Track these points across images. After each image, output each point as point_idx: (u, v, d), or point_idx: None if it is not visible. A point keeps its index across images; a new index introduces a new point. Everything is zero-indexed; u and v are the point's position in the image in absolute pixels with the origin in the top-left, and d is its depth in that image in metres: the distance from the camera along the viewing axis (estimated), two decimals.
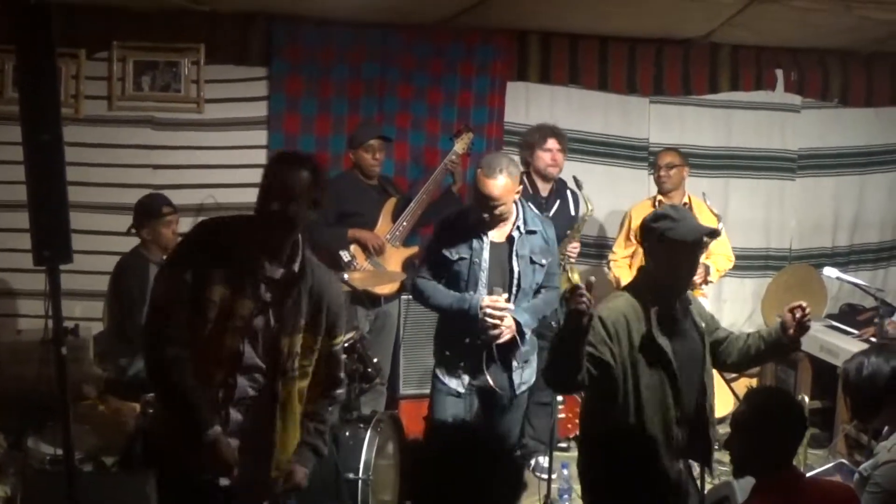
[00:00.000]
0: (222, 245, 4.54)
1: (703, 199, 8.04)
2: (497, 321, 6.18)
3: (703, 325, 5.36)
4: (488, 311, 6.16)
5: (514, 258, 6.34)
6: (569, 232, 7.99)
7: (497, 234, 6.30)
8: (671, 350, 5.11)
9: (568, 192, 8.27)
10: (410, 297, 7.26)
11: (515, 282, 6.36)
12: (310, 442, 4.87)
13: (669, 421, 5.17)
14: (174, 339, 4.49)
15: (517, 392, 6.56)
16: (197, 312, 4.47)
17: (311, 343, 4.70)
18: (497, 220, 6.27)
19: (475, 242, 6.24)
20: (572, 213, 8.20)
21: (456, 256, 6.24)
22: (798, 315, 5.24)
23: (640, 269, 5.47)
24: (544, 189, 8.16)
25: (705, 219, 8.06)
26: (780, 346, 5.40)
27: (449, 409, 6.40)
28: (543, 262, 6.41)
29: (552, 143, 8.08)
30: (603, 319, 5.01)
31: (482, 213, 6.21)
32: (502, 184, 6.13)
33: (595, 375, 4.97)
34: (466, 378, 6.38)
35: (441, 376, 6.45)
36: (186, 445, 4.55)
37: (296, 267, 4.60)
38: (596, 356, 4.96)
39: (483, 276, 6.27)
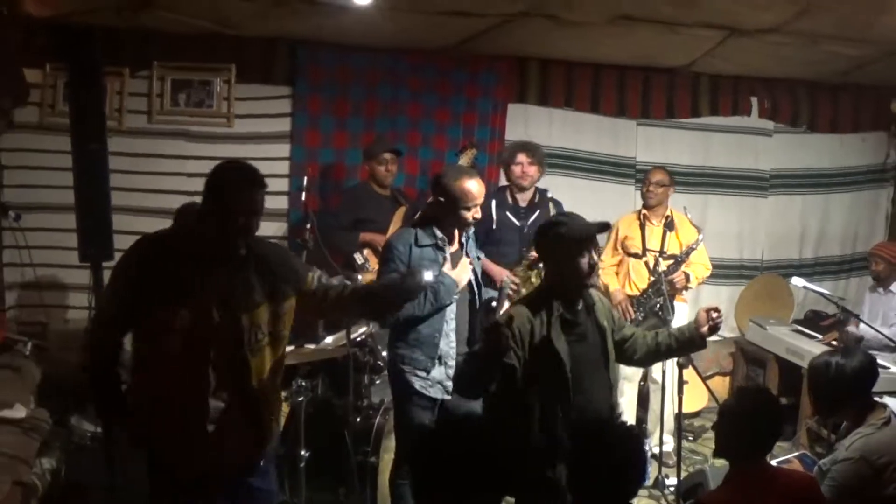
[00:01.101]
0: (165, 255, 4.52)
1: (685, 212, 8.11)
2: None
3: (605, 323, 5.25)
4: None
5: (471, 256, 6.24)
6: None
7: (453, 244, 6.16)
8: (567, 353, 4.99)
9: (549, 203, 8.19)
10: None
11: (477, 279, 6.26)
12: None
13: (555, 424, 5.00)
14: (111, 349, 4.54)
15: None
16: (160, 330, 4.44)
17: (275, 309, 4.65)
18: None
19: (440, 256, 6.02)
20: None
21: (431, 277, 5.70)
22: (714, 316, 5.33)
23: (544, 278, 5.44)
24: (523, 200, 8.11)
25: (686, 231, 8.19)
26: (692, 342, 5.42)
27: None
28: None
29: (521, 157, 8.02)
30: (511, 324, 4.92)
31: (468, 218, 5.97)
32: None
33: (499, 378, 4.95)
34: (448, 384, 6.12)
35: (424, 391, 6.06)
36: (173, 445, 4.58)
37: (241, 252, 4.56)
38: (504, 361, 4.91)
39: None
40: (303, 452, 6.32)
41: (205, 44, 8.64)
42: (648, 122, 9.88)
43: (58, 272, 8.57)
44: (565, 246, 5.02)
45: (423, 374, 5.99)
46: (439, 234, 5.99)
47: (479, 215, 6.04)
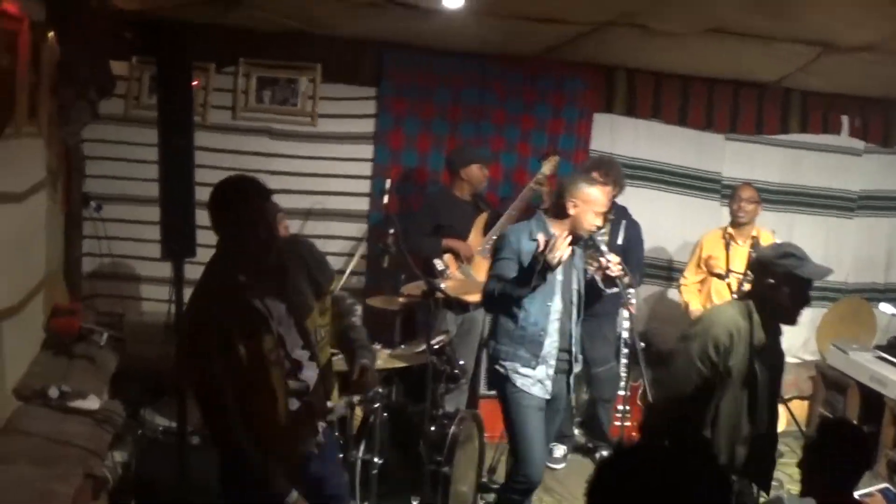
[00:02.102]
0: (222, 303, 4.40)
1: (773, 235, 7.97)
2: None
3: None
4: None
5: (577, 268, 6.33)
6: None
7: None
8: (761, 372, 5.11)
9: (622, 221, 8.10)
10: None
11: (580, 288, 6.34)
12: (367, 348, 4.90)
13: (737, 440, 5.15)
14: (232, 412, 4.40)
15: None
16: (237, 370, 4.36)
17: (322, 303, 4.68)
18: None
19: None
20: (619, 241, 7.99)
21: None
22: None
23: (752, 291, 5.39)
24: None
25: None
26: None
27: (537, 424, 6.23)
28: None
29: (595, 175, 7.90)
30: (717, 338, 5.07)
31: (593, 223, 6.11)
32: None
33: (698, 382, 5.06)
34: (548, 382, 6.22)
35: (525, 388, 6.18)
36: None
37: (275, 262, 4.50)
38: (707, 364, 5.06)
39: (559, 287, 6.17)
40: (376, 459, 6.27)
41: (291, 42, 8.63)
42: (736, 137, 9.71)
43: (136, 264, 8.61)
44: (795, 283, 5.15)
45: (527, 371, 6.08)
46: (553, 231, 6.01)
47: (600, 223, 6.19)
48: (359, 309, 4.93)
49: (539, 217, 6.23)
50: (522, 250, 6.01)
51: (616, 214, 8.03)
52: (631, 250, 7.91)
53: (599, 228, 6.24)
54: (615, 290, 6.38)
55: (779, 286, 5.16)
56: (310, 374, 4.60)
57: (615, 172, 7.97)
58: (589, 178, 6.31)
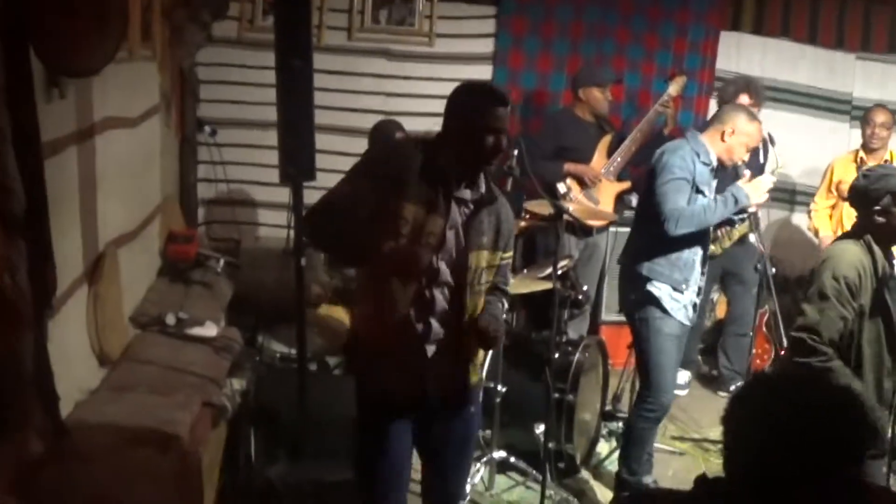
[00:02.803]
0: (418, 165, 4.28)
1: None
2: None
3: None
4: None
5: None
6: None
7: None
8: (893, 303, 4.95)
9: (766, 142, 7.83)
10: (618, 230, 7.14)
11: None
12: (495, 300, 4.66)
13: (882, 374, 5.01)
14: (331, 219, 4.31)
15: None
16: (388, 227, 4.23)
17: (492, 260, 4.48)
18: None
19: (711, 179, 6.02)
20: (760, 161, 7.80)
21: (707, 192, 5.94)
22: None
23: (862, 226, 5.16)
24: None
25: None
26: None
27: (674, 352, 6.11)
28: None
29: (744, 99, 7.71)
30: (847, 277, 4.90)
31: (742, 156, 6.05)
32: None
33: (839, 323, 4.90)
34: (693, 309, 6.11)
35: (672, 312, 6.01)
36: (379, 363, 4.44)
37: (482, 189, 4.37)
38: (843, 314, 4.89)
39: None
40: (499, 387, 6.18)
41: None
42: (868, 56, 9.29)
43: (252, 189, 8.55)
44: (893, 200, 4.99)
45: (677, 295, 5.96)
46: (713, 157, 5.98)
47: (746, 157, 6.13)
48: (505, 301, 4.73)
49: (695, 136, 6.04)
50: (697, 171, 5.87)
51: None
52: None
53: (744, 162, 6.12)
54: (744, 216, 6.20)
55: (886, 210, 5.00)
56: (439, 295, 4.41)
57: (762, 92, 7.92)
58: (749, 112, 6.13)
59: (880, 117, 8.05)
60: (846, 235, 5.29)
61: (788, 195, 9.32)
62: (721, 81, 8.78)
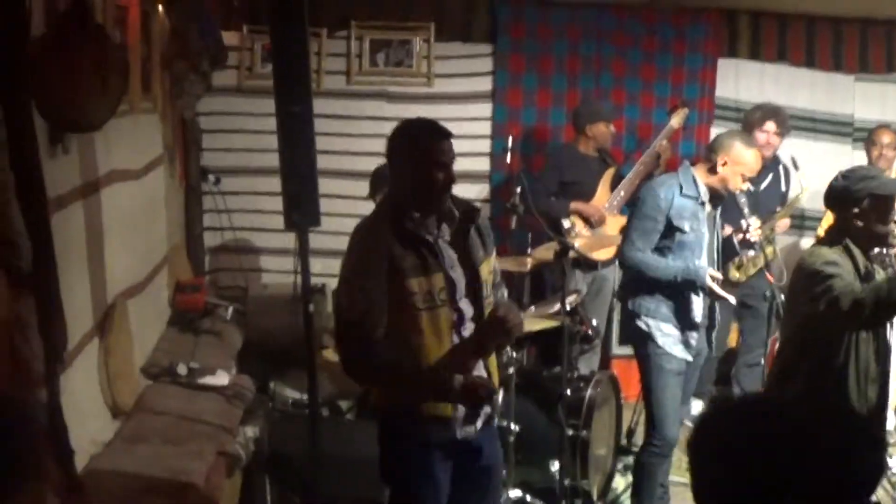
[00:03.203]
0: (390, 240, 4.28)
1: None
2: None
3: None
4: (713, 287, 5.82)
5: (718, 226, 6.10)
6: (778, 208, 7.60)
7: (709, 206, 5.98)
8: None
9: (780, 167, 7.88)
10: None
11: (718, 247, 6.14)
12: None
13: (867, 380, 5.02)
14: (373, 347, 4.28)
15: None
16: (405, 312, 4.26)
17: (489, 265, 4.51)
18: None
19: (699, 212, 5.85)
20: (783, 189, 7.81)
21: (688, 227, 5.79)
22: None
23: (840, 229, 5.13)
24: None
25: None
26: None
27: (674, 389, 6.02)
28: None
29: (770, 126, 7.75)
30: (837, 262, 4.91)
31: (738, 185, 5.92)
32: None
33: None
34: (692, 342, 5.98)
35: (666, 347, 5.94)
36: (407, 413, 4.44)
37: (452, 212, 4.38)
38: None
39: (705, 244, 5.91)
40: (513, 426, 6.16)
41: (403, 2, 8.59)
42: (867, 77, 9.28)
43: (258, 236, 8.61)
44: (879, 201, 4.96)
45: (670, 327, 5.89)
46: (703, 188, 5.86)
47: (744, 187, 5.99)
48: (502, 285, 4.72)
49: (687, 170, 5.96)
50: (674, 206, 5.79)
51: (775, 163, 7.89)
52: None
53: (742, 192, 6.04)
54: (751, 253, 6.14)
55: (865, 212, 4.96)
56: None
57: (787, 122, 7.92)
58: (746, 139, 6.04)
59: (886, 138, 8.06)
60: (821, 242, 5.27)
61: (798, 220, 9.30)
62: (721, 109, 8.85)
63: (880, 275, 5.08)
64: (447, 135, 4.33)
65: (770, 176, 7.72)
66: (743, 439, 2.37)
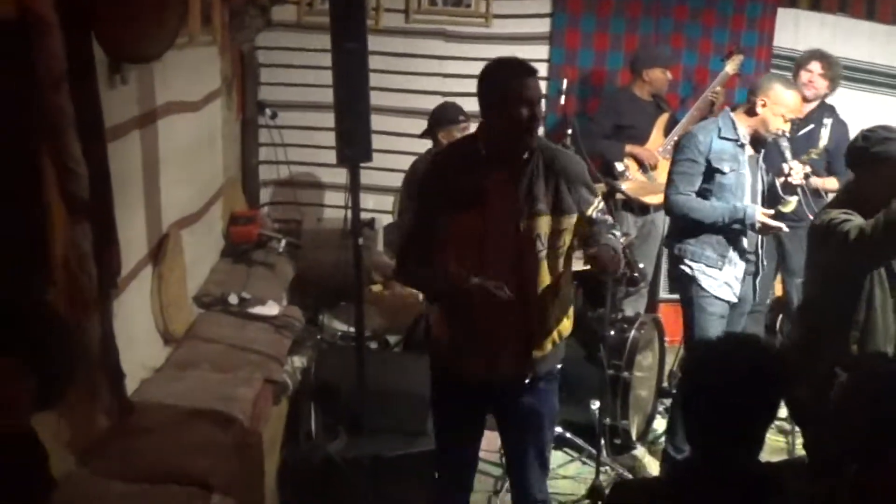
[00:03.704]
0: (456, 170, 4.42)
1: None
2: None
3: None
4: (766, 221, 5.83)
5: (762, 169, 6.07)
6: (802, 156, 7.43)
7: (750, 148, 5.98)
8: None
9: (827, 119, 7.68)
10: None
11: (763, 190, 6.10)
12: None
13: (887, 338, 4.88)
14: (416, 258, 4.51)
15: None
16: (444, 234, 4.40)
17: (557, 224, 4.43)
18: None
19: (740, 154, 5.88)
20: (823, 143, 7.65)
21: (728, 169, 5.83)
22: None
23: (856, 190, 4.93)
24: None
25: None
26: None
27: (716, 332, 5.89)
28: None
29: (814, 66, 7.61)
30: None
31: (779, 126, 5.85)
32: None
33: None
34: (737, 285, 6.01)
35: (711, 290, 5.96)
36: (454, 347, 4.55)
37: (525, 155, 4.38)
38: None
39: (748, 187, 5.93)
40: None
41: None
42: None
43: (313, 170, 8.67)
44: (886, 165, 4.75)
45: (713, 272, 5.93)
46: (742, 131, 5.89)
47: (787, 128, 5.89)
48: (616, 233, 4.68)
49: (726, 114, 5.99)
50: (712, 149, 5.83)
51: (821, 113, 7.61)
52: (838, 153, 7.57)
53: (784, 134, 5.91)
54: (795, 198, 6.11)
55: (881, 177, 4.74)
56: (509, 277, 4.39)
57: (837, 69, 7.69)
58: (786, 81, 6.05)
59: None
60: (832, 205, 5.03)
61: None
62: (779, 59, 8.75)
63: None
64: (533, 72, 4.35)
65: (811, 126, 7.56)
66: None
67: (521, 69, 4.35)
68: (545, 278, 4.48)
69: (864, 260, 4.78)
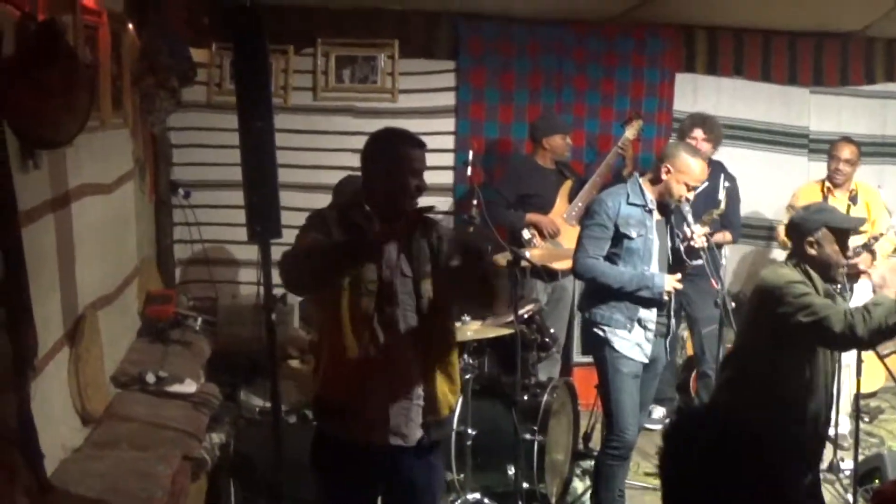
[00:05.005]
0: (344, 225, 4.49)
1: (879, 191, 7.93)
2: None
3: None
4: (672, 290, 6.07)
5: (671, 233, 6.22)
6: (703, 217, 7.58)
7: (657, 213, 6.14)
8: None
9: (721, 177, 7.82)
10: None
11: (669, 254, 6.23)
12: None
13: (819, 404, 5.18)
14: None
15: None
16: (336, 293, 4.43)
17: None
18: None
19: (647, 220, 6.04)
20: (719, 197, 7.82)
21: (635, 234, 5.99)
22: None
23: (797, 255, 5.23)
24: None
25: (874, 202, 7.93)
26: None
27: (632, 391, 6.16)
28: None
29: (696, 132, 7.87)
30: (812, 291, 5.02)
31: (682, 194, 6.03)
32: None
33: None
34: (648, 347, 6.14)
35: (623, 351, 6.10)
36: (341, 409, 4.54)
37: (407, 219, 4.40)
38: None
39: (655, 251, 6.08)
40: (470, 431, 6.32)
41: (368, 19, 8.72)
42: (822, 90, 9.54)
43: (226, 248, 8.74)
44: (836, 234, 5.13)
45: (625, 332, 6.07)
46: (650, 196, 6.07)
47: (690, 196, 6.09)
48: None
49: (635, 180, 6.17)
50: (620, 214, 6.00)
51: (716, 172, 7.79)
52: (730, 206, 7.78)
53: (687, 200, 6.10)
54: (699, 262, 6.27)
55: (818, 242, 5.11)
56: (398, 338, 4.48)
57: (717, 130, 7.99)
58: (691, 149, 6.23)
59: (845, 153, 8.10)
60: (780, 266, 5.36)
61: (766, 231, 9.47)
62: (678, 122, 8.93)
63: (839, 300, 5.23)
64: (421, 145, 4.48)
65: (706, 184, 7.72)
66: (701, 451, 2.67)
67: (412, 142, 4.48)
68: (436, 338, 4.56)
69: (848, 348, 5.14)
